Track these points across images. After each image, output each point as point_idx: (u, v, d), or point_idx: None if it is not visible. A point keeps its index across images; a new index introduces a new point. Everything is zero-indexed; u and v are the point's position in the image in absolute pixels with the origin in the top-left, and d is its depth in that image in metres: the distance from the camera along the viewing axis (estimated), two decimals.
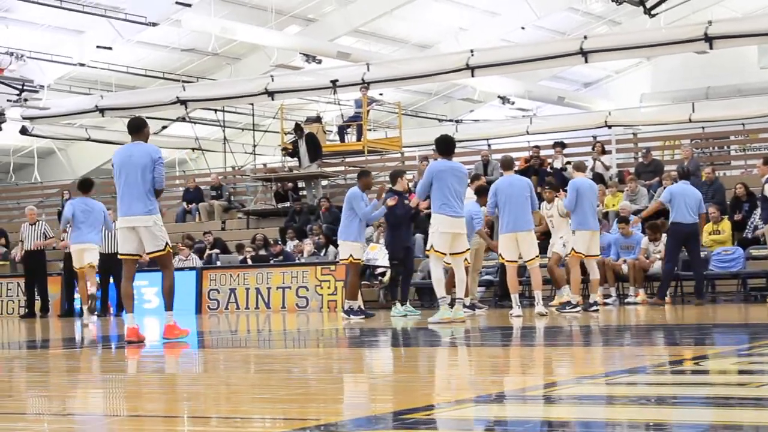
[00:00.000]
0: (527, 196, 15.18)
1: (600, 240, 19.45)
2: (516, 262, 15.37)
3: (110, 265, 21.87)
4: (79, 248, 17.83)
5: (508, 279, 15.59)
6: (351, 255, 16.34)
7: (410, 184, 22.14)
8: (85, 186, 18.15)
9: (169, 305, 11.69)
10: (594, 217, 16.28)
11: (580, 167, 17.19)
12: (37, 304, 22.70)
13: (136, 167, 11.38)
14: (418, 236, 21.19)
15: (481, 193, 17.23)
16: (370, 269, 20.97)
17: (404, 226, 17.22)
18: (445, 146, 14.39)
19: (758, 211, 19.21)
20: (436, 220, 14.02)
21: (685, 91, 38.71)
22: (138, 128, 11.79)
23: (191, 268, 22.45)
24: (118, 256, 11.95)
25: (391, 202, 16.49)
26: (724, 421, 4.90)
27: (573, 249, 16.26)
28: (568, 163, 23.49)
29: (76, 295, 22.56)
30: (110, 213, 22.26)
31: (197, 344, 11.85)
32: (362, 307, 16.93)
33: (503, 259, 15.46)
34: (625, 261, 19.30)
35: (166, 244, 11.58)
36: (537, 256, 15.43)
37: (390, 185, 17.56)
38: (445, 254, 14.10)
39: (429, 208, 14.82)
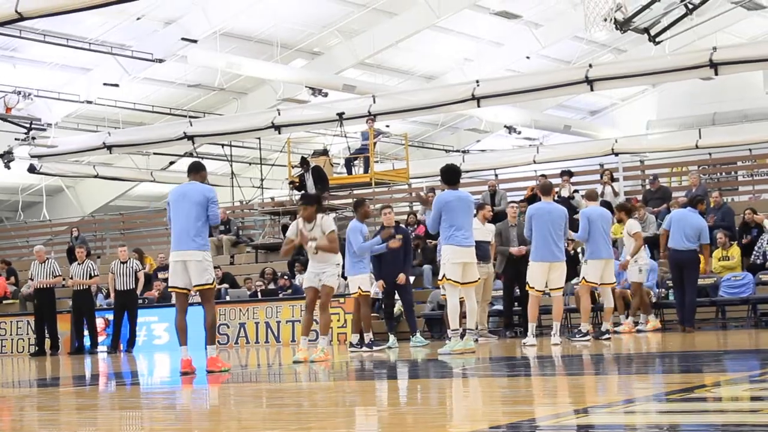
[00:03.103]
0: (562, 225, 15.17)
1: None
2: (542, 291, 15.33)
3: (125, 302, 22.02)
4: None
5: (529, 307, 15.51)
6: (359, 287, 16.34)
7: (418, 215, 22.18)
8: None
9: (211, 339, 12.21)
10: (607, 246, 16.24)
11: (592, 196, 17.05)
12: (47, 342, 22.73)
13: (189, 204, 12.02)
14: (426, 267, 21.15)
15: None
16: (379, 302, 20.97)
17: (390, 259, 16.91)
18: (451, 176, 14.22)
19: (766, 235, 19.17)
20: (446, 251, 13.91)
21: (692, 117, 38.77)
22: (196, 170, 12.43)
23: (200, 303, 22.39)
24: (169, 290, 12.59)
25: (394, 244, 16.43)
26: None
27: (584, 278, 16.21)
28: (576, 191, 23.49)
29: (86, 333, 22.64)
30: (123, 250, 22.45)
31: (206, 380, 11.83)
32: (372, 338, 16.91)
33: (530, 287, 15.40)
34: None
35: (213, 279, 12.31)
36: (563, 287, 15.43)
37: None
38: (459, 283, 13.99)
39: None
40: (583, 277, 16.21)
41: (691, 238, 17.50)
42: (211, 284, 12.26)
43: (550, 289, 15.39)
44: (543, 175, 25.76)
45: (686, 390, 7.85)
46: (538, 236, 15.05)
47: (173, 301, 13.33)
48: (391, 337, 17.12)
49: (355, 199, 18.04)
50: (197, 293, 12.47)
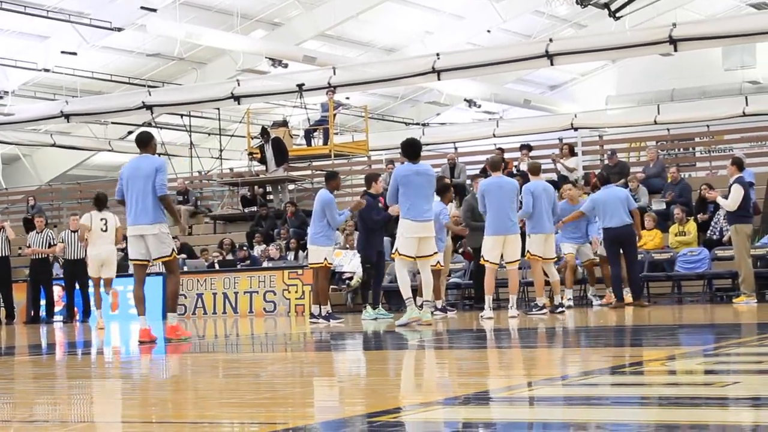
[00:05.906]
0: (514, 199, 15.19)
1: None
2: (497, 264, 15.33)
3: (75, 271, 21.76)
4: None
5: (485, 280, 15.50)
6: (326, 258, 16.26)
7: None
8: None
9: (172, 308, 12.44)
10: (549, 221, 16.25)
11: (535, 170, 16.98)
12: (2, 311, 22.57)
13: (141, 179, 12.12)
14: (386, 239, 21.15)
15: (443, 191, 17.12)
16: (338, 273, 20.98)
17: (379, 230, 17.06)
18: (411, 149, 14.12)
19: (722, 211, 19.30)
20: (402, 224, 13.85)
21: (651, 93, 38.96)
22: (145, 142, 12.47)
23: (157, 273, 22.28)
24: (129, 262, 12.69)
25: (357, 206, 16.46)
26: (690, 421, 4.92)
27: (529, 252, 16.19)
28: None
29: (42, 302, 22.49)
30: (74, 219, 22.07)
31: (164, 350, 11.80)
32: (330, 311, 16.87)
33: (485, 260, 15.39)
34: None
35: (173, 250, 12.52)
36: (519, 260, 15.44)
37: (365, 189, 17.46)
38: (410, 258, 13.97)
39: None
40: (528, 251, 16.22)
41: (626, 213, 17.35)
42: (170, 256, 12.41)
43: (506, 263, 15.41)
44: (500, 149, 25.81)
45: (640, 363, 7.91)
46: (492, 211, 15.09)
47: (130, 270, 13.36)
48: (379, 307, 17.06)
49: (327, 171, 18.05)
50: (159, 264, 12.50)
